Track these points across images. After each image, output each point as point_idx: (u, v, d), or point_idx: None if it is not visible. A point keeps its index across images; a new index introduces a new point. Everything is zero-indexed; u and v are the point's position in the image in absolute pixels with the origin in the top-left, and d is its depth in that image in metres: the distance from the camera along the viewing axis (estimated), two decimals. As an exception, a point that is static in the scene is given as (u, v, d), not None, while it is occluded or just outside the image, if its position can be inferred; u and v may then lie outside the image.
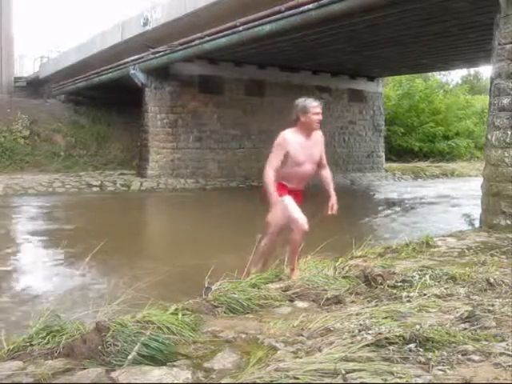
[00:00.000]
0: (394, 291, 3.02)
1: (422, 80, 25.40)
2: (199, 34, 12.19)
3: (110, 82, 16.37)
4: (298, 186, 3.76)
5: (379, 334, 2.13)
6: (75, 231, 8.27)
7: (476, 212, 6.43)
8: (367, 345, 2.01)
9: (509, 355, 1.93)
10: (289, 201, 3.64)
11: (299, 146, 3.64)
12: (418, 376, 1.75)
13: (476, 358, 1.93)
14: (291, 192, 3.70)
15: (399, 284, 3.15)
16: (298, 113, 3.63)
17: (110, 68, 16.09)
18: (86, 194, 13.30)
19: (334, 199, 3.76)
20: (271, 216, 3.51)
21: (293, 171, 3.65)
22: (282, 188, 3.67)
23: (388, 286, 3.13)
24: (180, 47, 13.08)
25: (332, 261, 3.87)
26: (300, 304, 2.92)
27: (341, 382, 1.71)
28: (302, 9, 9.39)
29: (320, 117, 3.67)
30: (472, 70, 34.70)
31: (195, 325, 2.41)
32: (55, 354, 2.06)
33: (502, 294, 2.88)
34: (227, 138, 16.13)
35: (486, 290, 2.99)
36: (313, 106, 3.62)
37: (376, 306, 2.70)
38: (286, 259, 3.78)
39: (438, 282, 3.16)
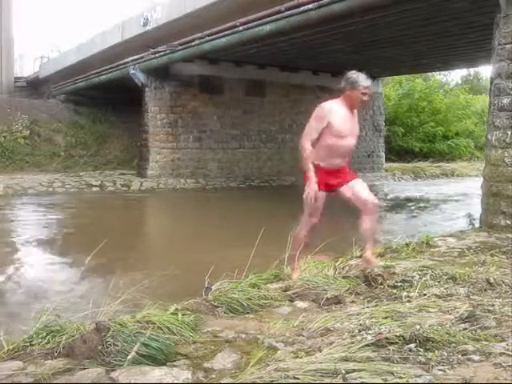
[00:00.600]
0: (394, 291, 3.02)
1: (422, 80, 25.41)
2: (199, 34, 12.18)
3: (110, 82, 16.36)
4: (339, 162, 3.54)
5: (379, 333, 2.13)
6: (75, 231, 8.27)
7: (476, 212, 6.44)
8: (367, 345, 2.01)
9: (509, 355, 1.93)
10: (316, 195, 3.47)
11: (343, 117, 3.47)
12: (418, 376, 1.75)
13: (476, 358, 1.93)
14: (330, 173, 3.50)
15: (399, 284, 3.14)
16: (347, 85, 3.47)
17: (110, 68, 16.09)
18: (86, 194, 13.30)
19: None
20: (306, 192, 3.37)
21: (335, 145, 3.44)
22: (319, 172, 3.45)
23: (388, 286, 3.13)
24: (180, 47, 13.08)
25: (332, 261, 3.87)
26: (300, 304, 2.92)
27: (341, 381, 1.71)
28: (302, 9, 9.38)
29: (367, 97, 3.52)
30: (472, 70, 34.73)
31: (195, 325, 2.41)
32: (55, 354, 2.06)
33: (502, 294, 2.88)
34: (227, 138, 16.13)
35: (486, 289, 2.99)
36: (363, 85, 3.46)
37: (376, 306, 2.70)
38: (287, 258, 3.77)
39: (438, 282, 3.16)
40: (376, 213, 3.62)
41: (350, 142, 3.56)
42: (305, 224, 3.62)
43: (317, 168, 3.47)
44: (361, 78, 3.47)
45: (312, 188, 3.39)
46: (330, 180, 3.53)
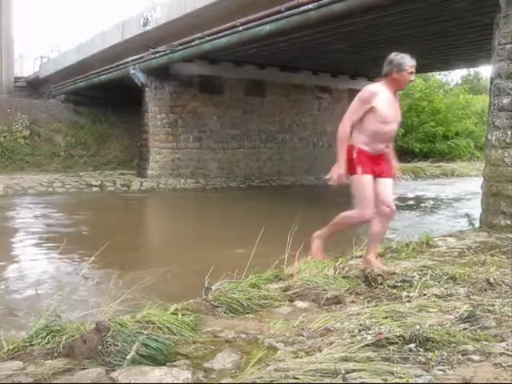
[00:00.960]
0: (394, 291, 3.02)
1: (422, 80, 25.42)
2: (199, 34, 12.18)
3: (110, 82, 16.36)
4: (380, 149, 3.49)
5: (379, 333, 2.13)
6: (76, 231, 8.27)
7: (476, 212, 6.44)
8: (367, 345, 2.01)
9: (509, 355, 1.93)
10: (367, 181, 3.40)
11: (387, 101, 3.40)
12: (418, 376, 1.75)
13: (476, 358, 1.93)
14: (372, 159, 3.43)
15: (399, 284, 3.15)
16: (393, 68, 3.40)
17: (110, 68, 16.09)
18: (86, 194, 13.30)
19: (396, 165, 3.67)
20: (329, 174, 3.31)
21: (380, 131, 3.37)
22: (363, 156, 3.39)
23: (388, 286, 3.13)
24: (180, 47, 13.08)
25: (332, 261, 3.87)
26: (300, 304, 2.91)
27: (341, 381, 1.71)
28: (302, 9, 9.38)
29: (413, 77, 3.48)
30: (472, 70, 34.73)
31: (195, 325, 2.41)
32: (55, 354, 2.06)
33: (502, 294, 2.88)
34: (227, 138, 16.13)
35: (486, 289, 2.99)
36: (410, 64, 3.41)
37: (376, 306, 2.70)
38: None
39: (438, 282, 3.16)
40: (390, 218, 3.60)
41: (394, 127, 3.50)
42: (356, 217, 3.47)
43: (360, 152, 3.41)
44: (406, 58, 3.43)
45: (336, 171, 3.31)
46: (374, 166, 3.47)
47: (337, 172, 3.34)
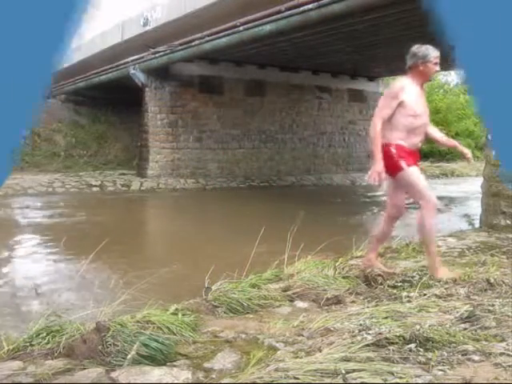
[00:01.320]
0: (394, 291, 3.02)
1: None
2: (199, 34, 12.18)
3: (110, 82, 16.37)
4: (416, 143, 3.42)
5: (379, 334, 2.13)
6: (76, 231, 8.27)
7: (476, 212, 6.44)
8: (367, 345, 2.01)
9: (509, 355, 1.93)
10: (416, 171, 3.33)
11: (415, 95, 3.38)
12: (418, 376, 1.75)
13: (476, 358, 1.93)
14: (411, 155, 3.37)
15: (399, 284, 3.15)
16: (418, 60, 3.41)
17: (110, 68, 16.10)
18: (86, 194, 13.30)
19: (461, 146, 3.64)
20: (369, 173, 3.23)
21: (410, 125, 3.34)
22: (403, 152, 3.32)
23: (388, 286, 3.14)
24: (180, 47, 13.09)
25: (332, 261, 3.87)
26: (300, 304, 2.92)
27: (341, 381, 1.71)
28: (302, 9, 9.38)
29: (438, 68, 3.46)
30: (472, 70, 34.66)
31: (195, 325, 2.42)
32: (55, 354, 2.06)
33: (502, 294, 2.88)
34: (227, 138, 16.13)
35: (486, 289, 2.99)
36: (434, 55, 3.41)
37: (376, 306, 2.70)
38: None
39: (438, 281, 3.16)
40: (397, 221, 3.61)
41: (424, 120, 3.47)
42: (429, 212, 3.38)
43: (399, 148, 3.34)
44: (430, 49, 3.44)
45: (375, 170, 3.23)
46: (412, 158, 3.41)
47: (376, 171, 3.24)
